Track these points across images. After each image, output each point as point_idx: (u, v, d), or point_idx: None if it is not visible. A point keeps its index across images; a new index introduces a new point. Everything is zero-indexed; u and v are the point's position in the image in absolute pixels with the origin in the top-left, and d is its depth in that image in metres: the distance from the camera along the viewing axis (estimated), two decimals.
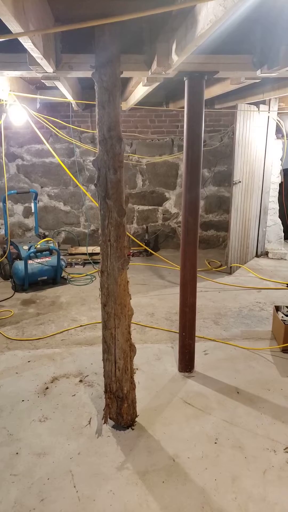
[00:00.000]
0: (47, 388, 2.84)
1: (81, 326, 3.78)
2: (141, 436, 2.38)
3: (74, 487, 2.04)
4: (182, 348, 3.02)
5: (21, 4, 1.19)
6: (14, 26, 1.19)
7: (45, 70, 2.00)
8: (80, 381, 2.92)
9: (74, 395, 2.76)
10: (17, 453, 2.26)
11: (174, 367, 3.09)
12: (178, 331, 3.08)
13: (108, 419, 2.43)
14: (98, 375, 2.93)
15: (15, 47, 2.01)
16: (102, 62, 1.98)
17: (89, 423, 2.49)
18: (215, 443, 2.34)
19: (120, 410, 2.40)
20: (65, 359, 3.21)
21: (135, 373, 2.47)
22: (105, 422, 2.42)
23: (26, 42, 1.43)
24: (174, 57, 1.84)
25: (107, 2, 1.74)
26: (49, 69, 1.96)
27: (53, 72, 2.06)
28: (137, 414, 2.50)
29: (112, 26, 1.88)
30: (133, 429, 2.44)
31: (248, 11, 1.60)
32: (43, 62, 1.79)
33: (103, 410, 2.43)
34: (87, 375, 2.98)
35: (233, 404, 2.68)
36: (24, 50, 1.82)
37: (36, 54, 1.63)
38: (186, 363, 3.04)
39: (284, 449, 2.28)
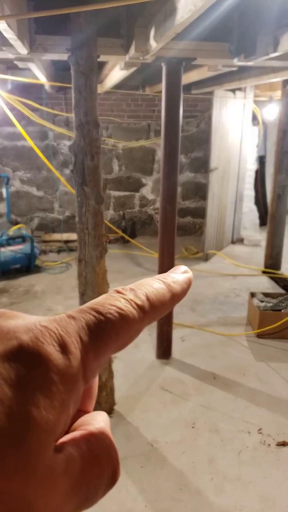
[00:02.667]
0: None
1: (56, 315, 3.74)
2: (120, 424, 2.41)
3: None
4: (159, 335, 3.05)
5: None
6: None
7: (18, 51, 1.91)
8: None
9: None
10: None
11: (151, 355, 3.13)
12: None
13: None
14: None
15: None
16: (78, 45, 1.91)
17: None
18: (193, 427, 2.39)
19: (98, 399, 2.41)
20: None
21: (113, 361, 2.48)
22: None
23: (1, 24, 1.36)
24: (153, 43, 1.80)
25: None
26: (23, 50, 1.88)
27: (27, 53, 1.98)
28: (116, 402, 2.52)
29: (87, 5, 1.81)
30: (111, 417, 2.46)
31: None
32: (17, 43, 1.71)
33: None
34: None
35: (209, 389, 2.74)
36: None
37: (10, 35, 1.55)
38: (164, 350, 3.07)
39: (258, 430, 2.37)
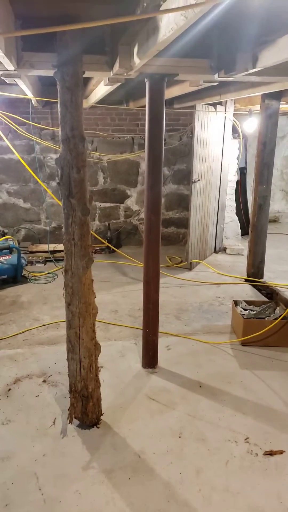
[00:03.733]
0: (9, 389, 2.79)
1: (43, 325, 3.74)
2: (107, 434, 2.41)
3: (40, 489, 2.04)
4: (145, 344, 3.07)
5: None
6: None
7: (6, 68, 1.96)
8: (44, 381, 2.90)
9: (38, 395, 2.74)
10: None
11: (138, 364, 3.14)
12: (141, 328, 3.13)
13: (73, 418, 2.43)
14: (61, 374, 2.92)
15: None
16: (64, 61, 1.97)
17: (54, 424, 2.48)
18: (179, 437, 2.41)
19: (85, 409, 2.41)
20: (27, 360, 3.17)
21: (99, 371, 2.49)
22: (70, 422, 2.43)
23: None
24: (136, 59, 1.87)
25: (69, 3, 1.73)
26: (10, 67, 1.92)
27: (14, 70, 2.02)
28: (102, 412, 2.52)
29: (74, 24, 1.87)
30: (98, 428, 2.46)
31: (207, 18, 1.66)
32: (4, 60, 1.76)
33: (68, 409, 2.44)
34: (51, 375, 2.96)
35: (196, 398, 2.77)
36: None
37: None
38: (150, 359, 3.10)
39: (245, 440, 2.39)
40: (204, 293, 4.56)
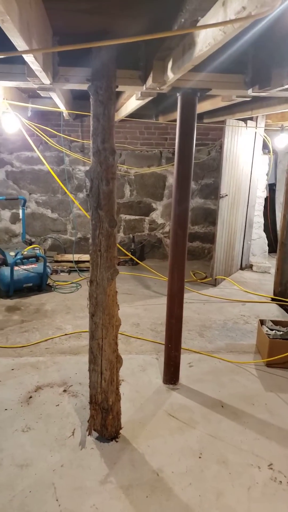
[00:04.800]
0: (30, 397, 2.80)
1: (66, 334, 3.75)
2: (125, 449, 2.37)
3: (57, 500, 2.01)
4: (167, 360, 3.03)
5: (25, 20, 1.21)
6: (19, 42, 1.21)
7: (42, 82, 2.01)
8: (64, 391, 2.89)
9: (58, 405, 2.73)
10: None
11: (158, 379, 3.09)
12: (163, 342, 3.09)
13: (93, 430, 2.41)
14: (82, 385, 2.91)
15: (11, 58, 2.02)
16: (98, 76, 2.00)
17: (73, 434, 2.46)
18: (200, 457, 2.34)
19: (104, 421, 2.38)
20: (49, 368, 3.17)
21: (120, 384, 2.46)
22: (89, 434, 2.40)
23: (28, 57, 1.44)
24: (170, 74, 1.88)
25: (106, 19, 1.77)
26: (46, 81, 1.97)
27: (50, 84, 2.08)
28: (122, 426, 2.48)
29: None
30: (117, 442, 2.42)
31: (242, 34, 1.66)
32: (41, 74, 1.81)
33: (88, 421, 2.42)
34: (71, 385, 2.96)
35: (217, 418, 2.69)
36: (21, 61, 1.84)
37: (36, 67, 1.64)
38: (171, 375, 3.04)
39: (268, 466, 2.30)
40: (228, 311, 4.48)
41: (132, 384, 3.01)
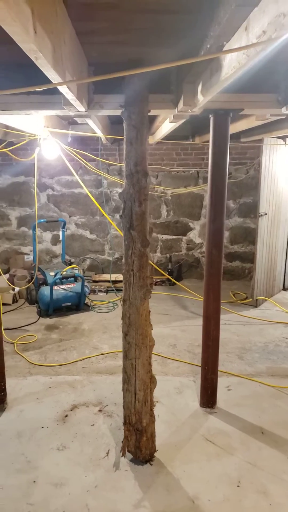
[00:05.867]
0: (66, 416, 2.83)
1: (102, 354, 3.78)
2: (160, 473, 2.32)
3: None
4: (204, 382, 2.96)
5: (59, 54, 1.30)
6: (52, 75, 1.29)
7: (77, 109, 2.12)
8: (100, 410, 2.90)
9: (93, 424, 2.74)
10: (34, 482, 2.25)
11: (195, 402, 3.02)
12: (200, 365, 3.03)
13: (127, 452, 2.38)
14: (117, 405, 2.90)
15: (49, 89, 2.15)
16: (130, 102, 2.08)
17: (107, 455, 2.45)
18: (238, 486, 2.24)
19: (138, 443, 2.36)
20: (85, 387, 3.20)
21: (155, 405, 2.43)
22: (123, 455, 2.38)
23: (62, 88, 1.53)
24: (200, 97, 1.92)
25: (137, 49, 1.85)
26: (81, 108, 2.07)
27: (85, 111, 2.18)
28: (156, 449, 2.44)
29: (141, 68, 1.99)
30: (151, 465, 2.38)
31: (272, 54, 1.67)
32: (76, 103, 1.91)
33: (122, 442, 2.40)
34: (107, 405, 2.96)
35: (257, 445, 2.58)
36: (58, 91, 1.94)
37: (70, 97, 1.74)
38: (208, 398, 2.97)
39: None
40: (270, 333, 4.33)
41: (167, 406, 2.96)
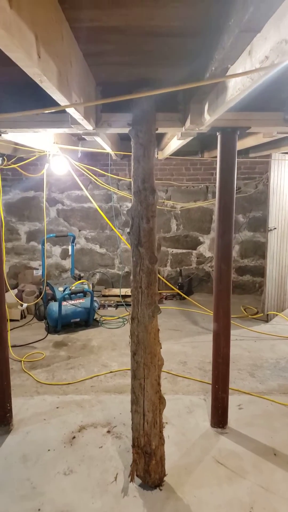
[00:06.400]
0: (74, 437, 2.78)
1: (111, 372, 3.73)
2: (170, 499, 2.25)
3: None
4: (214, 401, 2.89)
5: (65, 76, 1.30)
6: (58, 97, 1.29)
7: (85, 128, 2.13)
8: (108, 431, 2.84)
9: (101, 447, 2.68)
10: (39, 510, 2.19)
11: (206, 422, 2.95)
12: (211, 382, 2.97)
13: (135, 476, 2.32)
14: (126, 426, 2.85)
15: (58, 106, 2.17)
16: (138, 120, 2.08)
17: (115, 480, 2.39)
18: (250, 511, 2.16)
19: (147, 467, 2.29)
20: (93, 407, 3.15)
21: (164, 427, 2.38)
22: (131, 480, 2.31)
23: (69, 108, 1.54)
24: (207, 116, 1.91)
25: (145, 69, 1.86)
26: (89, 127, 2.09)
27: (93, 129, 2.19)
28: (166, 473, 2.37)
29: (148, 87, 2.00)
30: (161, 490, 2.31)
31: (277, 74, 1.66)
32: (83, 122, 1.92)
33: (130, 466, 2.34)
34: (115, 426, 2.90)
35: (269, 467, 2.50)
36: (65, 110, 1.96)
37: (77, 116, 1.75)
38: (219, 418, 2.89)
39: None
40: (281, 349, 4.24)
41: (178, 427, 2.89)
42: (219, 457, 2.59)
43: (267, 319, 5.05)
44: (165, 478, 2.36)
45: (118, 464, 2.51)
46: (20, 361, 3.94)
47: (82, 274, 6.15)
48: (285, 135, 2.57)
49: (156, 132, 2.21)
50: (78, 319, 4.81)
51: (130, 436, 2.48)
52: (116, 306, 5.62)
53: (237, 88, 1.27)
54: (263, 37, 0.97)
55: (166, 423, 2.86)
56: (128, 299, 5.68)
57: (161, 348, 2.30)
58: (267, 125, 2.29)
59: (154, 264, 2.19)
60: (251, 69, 1.02)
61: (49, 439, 2.75)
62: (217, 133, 2.51)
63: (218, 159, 2.60)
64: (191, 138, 2.74)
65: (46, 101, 1.50)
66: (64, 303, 4.70)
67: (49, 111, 1.32)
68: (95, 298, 5.01)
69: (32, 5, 0.94)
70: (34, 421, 2.96)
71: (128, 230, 6.21)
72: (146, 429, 2.27)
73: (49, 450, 2.65)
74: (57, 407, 3.14)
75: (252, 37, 1.05)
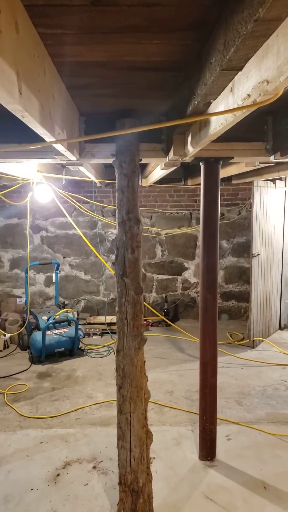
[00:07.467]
0: (58, 475, 2.66)
1: (96, 403, 3.62)
2: None
3: None
4: (202, 433, 2.82)
5: (47, 110, 1.31)
6: (40, 131, 1.30)
7: (69, 159, 2.14)
8: (94, 467, 2.73)
9: (87, 484, 2.57)
10: None
11: (194, 454, 2.87)
12: (198, 412, 2.90)
13: None
14: (112, 461, 2.74)
15: (39, 137, 2.18)
16: (122, 151, 2.11)
17: None
18: None
19: (135, 506, 2.19)
20: (79, 441, 3.04)
21: (151, 462, 2.29)
22: None
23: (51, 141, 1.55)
24: (190, 148, 1.95)
25: (128, 100, 1.89)
26: (73, 158, 2.10)
27: (77, 160, 2.20)
28: None
29: (131, 119, 2.03)
30: None
31: (260, 108, 1.71)
32: (67, 153, 1.92)
33: (117, 505, 2.23)
34: (101, 461, 2.79)
35: (260, 502, 2.43)
36: None
37: (61, 148, 1.76)
38: (207, 450, 2.82)
39: None
40: (268, 375, 4.20)
41: (165, 460, 2.80)
42: (208, 492, 2.50)
43: (253, 345, 5.03)
44: None
45: (105, 503, 2.40)
46: (3, 393, 3.80)
47: (66, 302, 6.06)
48: (266, 164, 2.63)
49: (140, 162, 2.24)
50: (62, 349, 4.69)
51: (116, 471, 2.38)
52: (102, 334, 5.53)
53: (220, 122, 1.30)
54: (245, 75, 0.99)
55: (154, 458, 2.76)
56: (114, 327, 5.59)
57: (147, 381, 2.25)
58: (250, 155, 2.34)
59: (139, 294, 2.17)
60: (233, 105, 1.04)
61: (32, 477, 2.62)
62: (201, 163, 2.56)
63: (202, 187, 2.63)
64: (174, 168, 2.78)
65: (30, 132, 1.50)
66: (48, 332, 4.60)
67: (31, 147, 1.32)
68: (80, 327, 4.92)
69: (14, 44, 0.95)
70: (17, 458, 2.82)
71: (113, 256, 6.18)
72: (133, 466, 2.18)
73: (32, 489, 2.52)
74: (41, 442, 3.01)
75: (233, 74, 1.08)
